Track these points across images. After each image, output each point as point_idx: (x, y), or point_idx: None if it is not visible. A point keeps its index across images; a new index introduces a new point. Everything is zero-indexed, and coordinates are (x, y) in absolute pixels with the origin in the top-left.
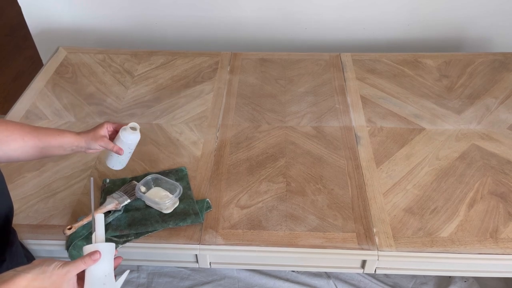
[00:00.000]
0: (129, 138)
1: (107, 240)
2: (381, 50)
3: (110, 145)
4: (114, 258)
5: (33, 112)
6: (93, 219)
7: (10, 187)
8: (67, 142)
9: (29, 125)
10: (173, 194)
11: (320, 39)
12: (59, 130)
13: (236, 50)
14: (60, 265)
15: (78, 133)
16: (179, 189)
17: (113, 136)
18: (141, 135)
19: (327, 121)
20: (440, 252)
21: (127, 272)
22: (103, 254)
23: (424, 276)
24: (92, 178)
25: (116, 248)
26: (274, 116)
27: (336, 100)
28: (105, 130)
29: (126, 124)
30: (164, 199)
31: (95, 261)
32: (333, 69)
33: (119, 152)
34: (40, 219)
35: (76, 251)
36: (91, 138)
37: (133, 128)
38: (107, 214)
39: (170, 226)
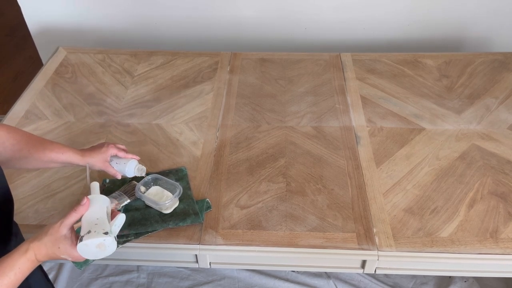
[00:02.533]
0: (130, 174)
1: None
2: (381, 50)
3: (110, 171)
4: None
5: (33, 112)
6: (87, 168)
7: (10, 187)
8: (67, 161)
9: (35, 136)
10: (173, 194)
11: (320, 39)
12: (61, 146)
13: (236, 50)
14: (56, 222)
15: (82, 154)
16: (179, 189)
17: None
18: (141, 136)
19: (327, 121)
20: (440, 252)
21: (121, 214)
22: (93, 201)
23: (424, 276)
24: (87, 164)
25: (116, 247)
26: (274, 116)
27: (336, 100)
28: (109, 156)
29: (126, 152)
30: (164, 199)
31: (83, 205)
32: (333, 69)
33: (116, 176)
34: (40, 219)
35: None
36: (96, 162)
37: (140, 171)
38: None
39: (170, 226)
